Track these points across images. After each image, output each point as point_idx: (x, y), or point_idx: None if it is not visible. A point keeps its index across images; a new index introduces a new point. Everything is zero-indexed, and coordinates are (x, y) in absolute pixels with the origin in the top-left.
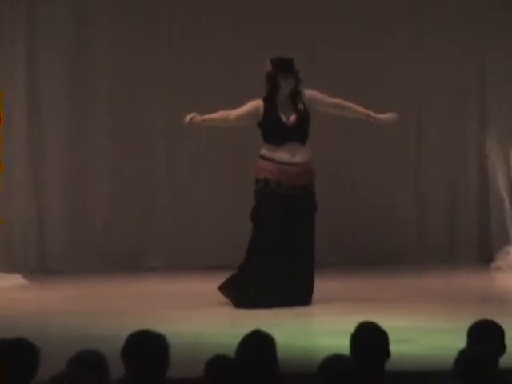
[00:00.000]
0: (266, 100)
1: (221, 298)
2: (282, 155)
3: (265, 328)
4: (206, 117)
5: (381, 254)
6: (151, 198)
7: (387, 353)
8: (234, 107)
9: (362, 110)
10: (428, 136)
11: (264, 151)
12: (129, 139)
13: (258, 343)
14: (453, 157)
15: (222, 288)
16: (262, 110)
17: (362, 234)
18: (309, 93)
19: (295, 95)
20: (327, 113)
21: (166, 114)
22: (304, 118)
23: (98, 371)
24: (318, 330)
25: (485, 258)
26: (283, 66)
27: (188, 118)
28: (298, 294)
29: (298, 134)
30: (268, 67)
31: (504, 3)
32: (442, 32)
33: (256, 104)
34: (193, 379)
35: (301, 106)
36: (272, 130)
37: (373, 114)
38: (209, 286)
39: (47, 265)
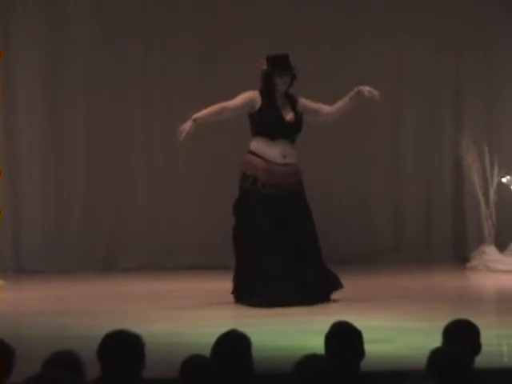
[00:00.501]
0: (263, 93)
1: (197, 298)
2: (274, 155)
3: (241, 328)
4: (196, 116)
5: (357, 254)
6: (127, 198)
7: (362, 352)
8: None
9: (344, 101)
10: (403, 136)
11: (254, 146)
12: (105, 139)
13: (233, 343)
14: (428, 157)
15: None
16: (258, 102)
17: (338, 234)
18: (301, 100)
19: (291, 96)
20: (316, 121)
21: (142, 113)
22: (301, 118)
23: (74, 372)
24: (294, 329)
25: (460, 257)
26: (278, 63)
27: (181, 134)
28: (311, 291)
29: (293, 132)
30: (263, 65)
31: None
32: (417, 31)
33: (252, 95)
34: (169, 379)
35: (299, 109)
36: (269, 122)
37: (355, 90)
38: (184, 286)
39: (23, 264)
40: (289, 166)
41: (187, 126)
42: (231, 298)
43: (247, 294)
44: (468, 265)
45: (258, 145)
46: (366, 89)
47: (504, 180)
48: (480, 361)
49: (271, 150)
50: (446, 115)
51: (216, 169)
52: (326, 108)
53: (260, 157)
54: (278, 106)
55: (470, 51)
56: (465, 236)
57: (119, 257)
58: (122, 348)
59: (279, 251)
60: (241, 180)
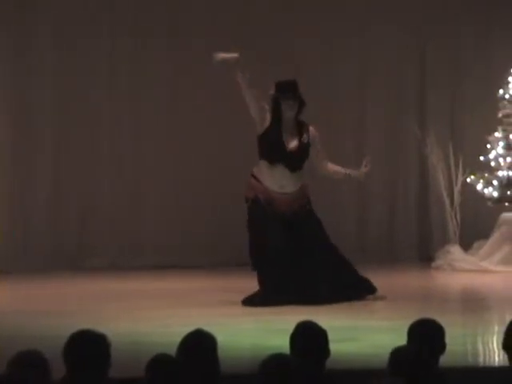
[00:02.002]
0: (272, 116)
1: (162, 297)
2: (271, 183)
3: (207, 327)
4: (243, 71)
5: None
6: (93, 198)
7: (327, 352)
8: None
9: (338, 171)
10: (368, 136)
11: (256, 169)
12: (71, 141)
13: (199, 342)
14: (393, 158)
15: (246, 301)
16: (267, 122)
17: None
18: (313, 131)
19: (301, 124)
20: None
21: (110, 114)
22: (305, 149)
23: (40, 371)
24: (259, 329)
25: (425, 257)
26: (284, 88)
27: (218, 56)
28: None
29: (294, 162)
30: (272, 90)
31: None
32: (380, 32)
33: (264, 110)
34: (134, 379)
35: (305, 138)
36: (270, 147)
37: (348, 172)
38: (150, 285)
39: None
40: (288, 195)
41: (231, 57)
42: (197, 297)
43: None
44: (433, 264)
45: (259, 169)
46: (360, 174)
47: (468, 180)
48: (445, 360)
49: (269, 178)
50: (411, 116)
51: (181, 170)
52: (324, 161)
53: (259, 181)
54: (281, 132)
55: (433, 51)
56: (429, 236)
57: (85, 256)
58: (88, 348)
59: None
60: (246, 203)
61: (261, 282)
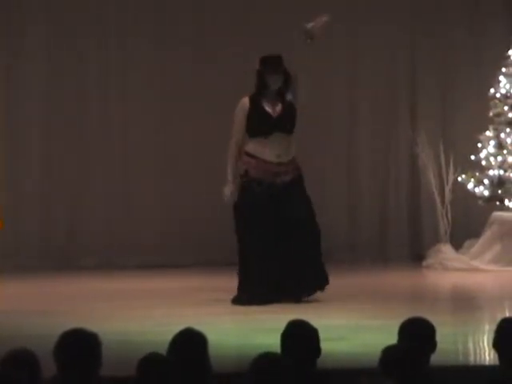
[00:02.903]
0: (252, 95)
1: (152, 296)
2: (268, 154)
3: (198, 326)
4: (230, 178)
5: None
6: (83, 197)
7: (318, 350)
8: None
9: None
10: (359, 135)
11: (249, 147)
12: (61, 140)
13: (190, 341)
14: (384, 156)
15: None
16: (247, 107)
17: None
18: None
19: (283, 91)
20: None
21: (99, 114)
22: (290, 108)
23: (30, 370)
24: (250, 328)
25: (416, 256)
26: (269, 64)
27: (226, 197)
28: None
29: (284, 124)
30: (257, 65)
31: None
32: (371, 32)
33: (242, 103)
34: (125, 378)
35: (289, 97)
36: (258, 122)
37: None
38: (140, 284)
39: None
40: (283, 166)
41: (229, 190)
42: (187, 296)
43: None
44: (424, 263)
45: (252, 146)
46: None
47: (459, 179)
48: (436, 359)
49: (264, 150)
50: (402, 115)
51: (171, 169)
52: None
53: (254, 157)
54: (263, 105)
55: (424, 50)
56: (420, 234)
57: (75, 256)
58: (79, 346)
59: (274, 251)
60: (239, 179)
61: (246, 279)
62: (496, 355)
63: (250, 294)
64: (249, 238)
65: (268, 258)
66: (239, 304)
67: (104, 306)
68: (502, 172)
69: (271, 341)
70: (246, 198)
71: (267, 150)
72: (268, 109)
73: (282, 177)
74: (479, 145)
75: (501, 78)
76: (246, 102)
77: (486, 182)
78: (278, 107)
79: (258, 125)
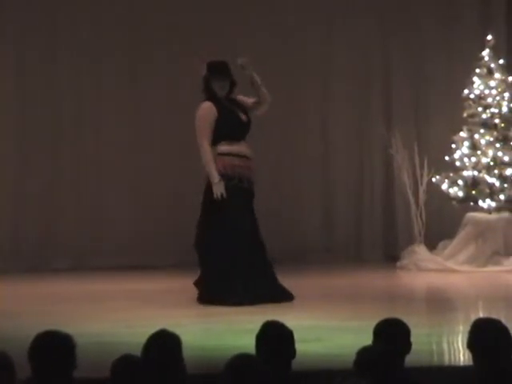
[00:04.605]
0: (212, 100)
1: (126, 298)
2: (242, 150)
3: (171, 327)
4: (217, 178)
5: (288, 254)
6: (55, 198)
7: (293, 352)
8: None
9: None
10: (333, 136)
11: (222, 148)
12: (34, 141)
13: (164, 343)
14: (358, 157)
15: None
16: (215, 111)
17: (270, 234)
18: (240, 98)
19: (234, 100)
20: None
21: (72, 115)
22: (250, 119)
23: (4, 372)
24: (225, 329)
25: (390, 256)
26: (216, 69)
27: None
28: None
29: (247, 131)
30: (204, 71)
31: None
32: (351, 30)
33: (209, 108)
34: (100, 379)
35: (245, 108)
36: (231, 125)
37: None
38: (113, 286)
39: None
40: (251, 161)
41: (220, 189)
42: (162, 297)
43: (226, 294)
44: (398, 264)
45: (225, 147)
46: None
47: (434, 180)
48: (410, 359)
49: (238, 147)
50: (376, 116)
51: (143, 169)
52: (251, 99)
53: (231, 155)
54: (234, 110)
55: (397, 51)
56: (395, 235)
57: (47, 257)
58: (54, 348)
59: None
60: (224, 181)
61: (215, 279)
62: (470, 356)
63: (219, 293)
64: (226, 239)
65: (242, 259)
66: (207, 303)
67: (78, 308)
68: (475, 173)
69: (246, 342)
70: (230, 198)
71: (240, 147)
72: (239, 114)
73: (253, 173)
74: (453, 146)
75: (474, 78)
76: (211, 105)
77: (460, 182)
78: (244, 115)
79: (231, 127)
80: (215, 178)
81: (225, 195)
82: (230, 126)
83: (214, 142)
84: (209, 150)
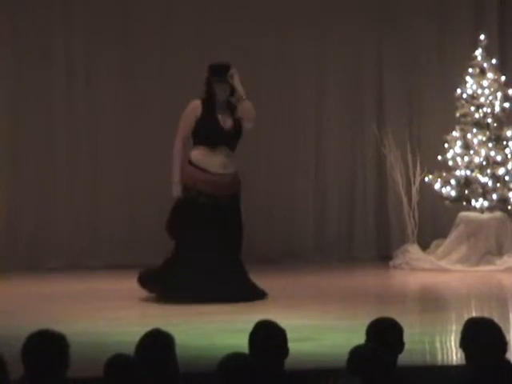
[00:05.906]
0: (204, 101)
1: (119, 297)
2: (214, 165)
3: (165, 327)
4: (176, 178)
5: (280, 253)
6: (48, 198)
7: (286, 351)
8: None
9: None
10: (326, 136)
11: (195, 156)
12: (27, 140)
13: (157, 342)
14: (351, 157)
15: (142, 281)
16: (199, 111)
17: (262, 234)
18: (244, 105)
19: (232, 104)
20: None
21: (64, 113)
22: (238, 126)
23: None
24: (218, 328)
25: (383, 256)
26: (218, 72)
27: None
28: (240, 290)
29: (232, 140)
30: (206, 72)
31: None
32: (342, 31)
33: (194, 105)
34: (93, 378)
35: (236, 113)
36: (208, 132)
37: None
38: (107, 285)
39: None
40: (228, 177)
41: (177, 191)
42: (154, 296)
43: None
44: (391, 263)
45: (198, 155)
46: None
47: (426, 179)
48: (403, 359)
49: (211, 160)
50: (369, 116)
51: (136, 169)
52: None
53: (200, 168)
54: (216, 115)
55: (390, 51)
56: (388, 235)
57: (41, 257)
58: (47, 348)
59: (206, 258)
60: (182, 191)
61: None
62: (463, 355)
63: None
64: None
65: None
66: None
67: (71, 307)
68: (468, 172)
69: (239, 341)
70: (190, 212)
71: (213, 161)
72: (220, 119)
73: (225, 190)
74: (446, 145)
75: (467, 78)
76: (198, 105)
77: (452, 182)
78: (229, 122)
79: (207, 132)
80: (175, 177)
81: (180, 197)
82: (207, 131)
83: (194, 143)
84: (178, 149)
